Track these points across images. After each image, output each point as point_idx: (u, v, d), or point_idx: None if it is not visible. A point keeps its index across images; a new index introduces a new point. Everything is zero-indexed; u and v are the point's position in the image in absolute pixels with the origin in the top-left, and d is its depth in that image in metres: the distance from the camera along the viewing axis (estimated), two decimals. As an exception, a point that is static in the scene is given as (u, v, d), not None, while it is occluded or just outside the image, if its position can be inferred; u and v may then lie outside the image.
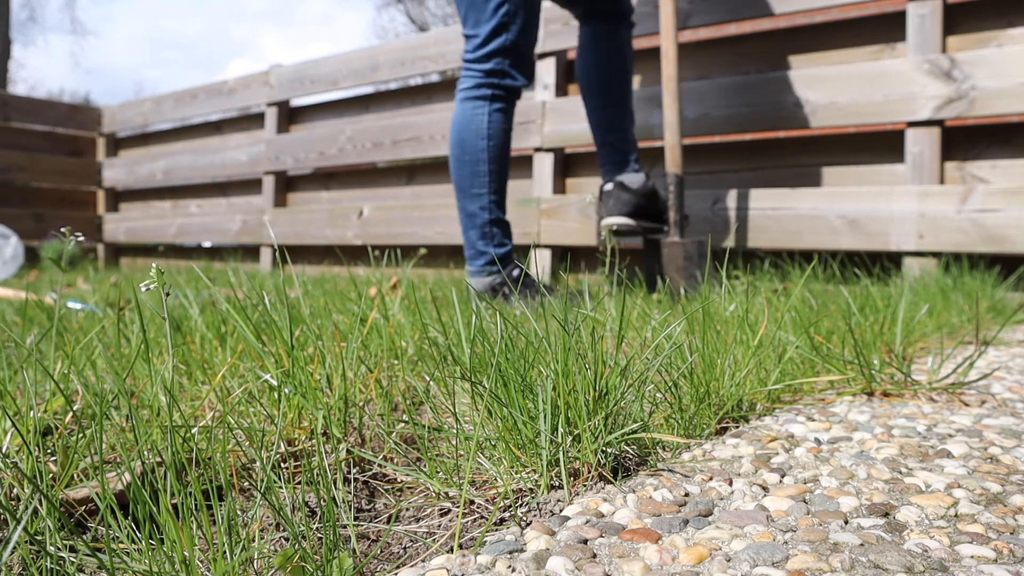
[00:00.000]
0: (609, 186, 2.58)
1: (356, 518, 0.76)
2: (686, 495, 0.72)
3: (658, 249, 2.49)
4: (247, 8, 79.30)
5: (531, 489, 0.75)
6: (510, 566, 0.57)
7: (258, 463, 0.84)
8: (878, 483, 0.75)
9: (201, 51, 76.40)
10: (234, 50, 76.10)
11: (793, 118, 2.77)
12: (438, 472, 0.78)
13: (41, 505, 0.62)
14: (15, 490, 0.73)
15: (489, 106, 2.33)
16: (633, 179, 2.56)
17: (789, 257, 2.83)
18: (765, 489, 0.73)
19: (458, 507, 0.74)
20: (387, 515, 0.76)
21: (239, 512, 0.69)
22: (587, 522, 0.65)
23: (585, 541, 0.61)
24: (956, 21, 2.61)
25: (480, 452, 0.80)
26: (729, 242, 2.90)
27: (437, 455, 0.83)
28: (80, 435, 0.79)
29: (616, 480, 0.76)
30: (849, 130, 2.74)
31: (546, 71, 3.56)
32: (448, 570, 0.57)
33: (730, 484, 0.75)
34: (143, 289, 0.64)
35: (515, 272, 2.43)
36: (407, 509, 0.77)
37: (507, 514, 0.72)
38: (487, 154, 2.34)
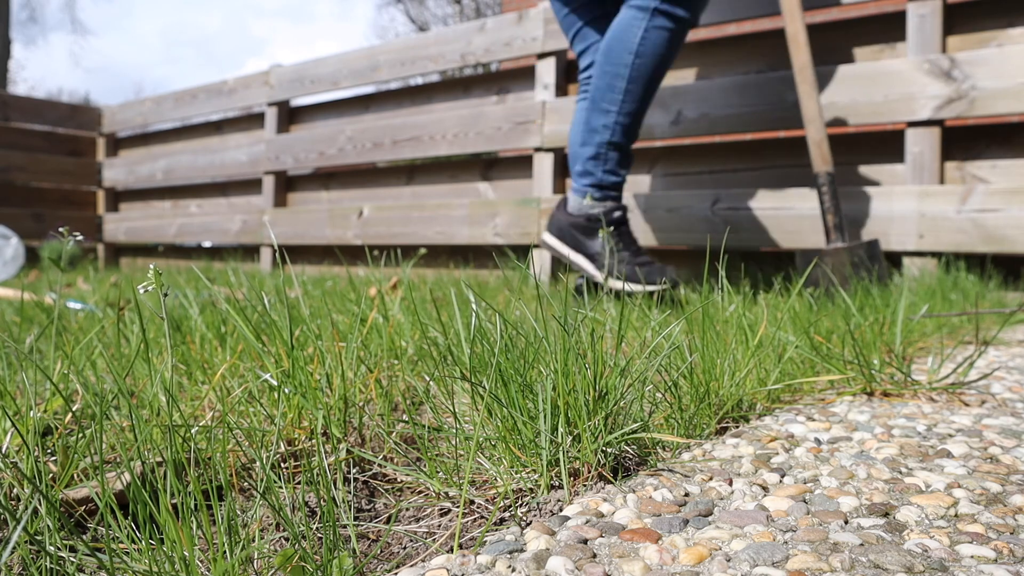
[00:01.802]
0: None
1: (356, 518, 0.76)
2: (686, 495, 0.72)
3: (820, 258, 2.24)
4: (265, 4, 78.80)
5: (531, 489, 0.75)
6: (510, 566, 0.57)
7: (258, 463, 0.83)
8: (878, 483, 0.75)
9: (216, 49, 75.99)
10: (251, 48, 75.65)
11: (793, 118, 2.77)
12: (438, 472, 0.78)
13: (41, 505, 0.62)
14: (15, 490, 0.73)
15: (648, 21, 2.09)
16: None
17: (789, 257, 2.83)
18: (765, 489, 0.73)
19: (458, 507, 0.74)
20: (387, 515, 0.76)
21: (239, 512, 0.69)
22: (587, 522, 0.65)
23: (585, 541, 0.61)
24: (956, 21, 2.61)
25: (480, 452, 0.80)
26: (728, 242, 2.90)
27: (437, 455, 0.83)
28: (80, 435, 0.79)
29: (616, 480, 0.76)
30: (849, 130, 2.74)
31: (546, 71, 3.56)
32: (448, 570, 0.57)
33: (730, 484, 0.75)
34: (142, 290, 0.63)
35: (616, 214, 2.19)
36: (407, 509, 0.77)
37: (507, 514, 0.72)
38: (628, 71, 2.12)
